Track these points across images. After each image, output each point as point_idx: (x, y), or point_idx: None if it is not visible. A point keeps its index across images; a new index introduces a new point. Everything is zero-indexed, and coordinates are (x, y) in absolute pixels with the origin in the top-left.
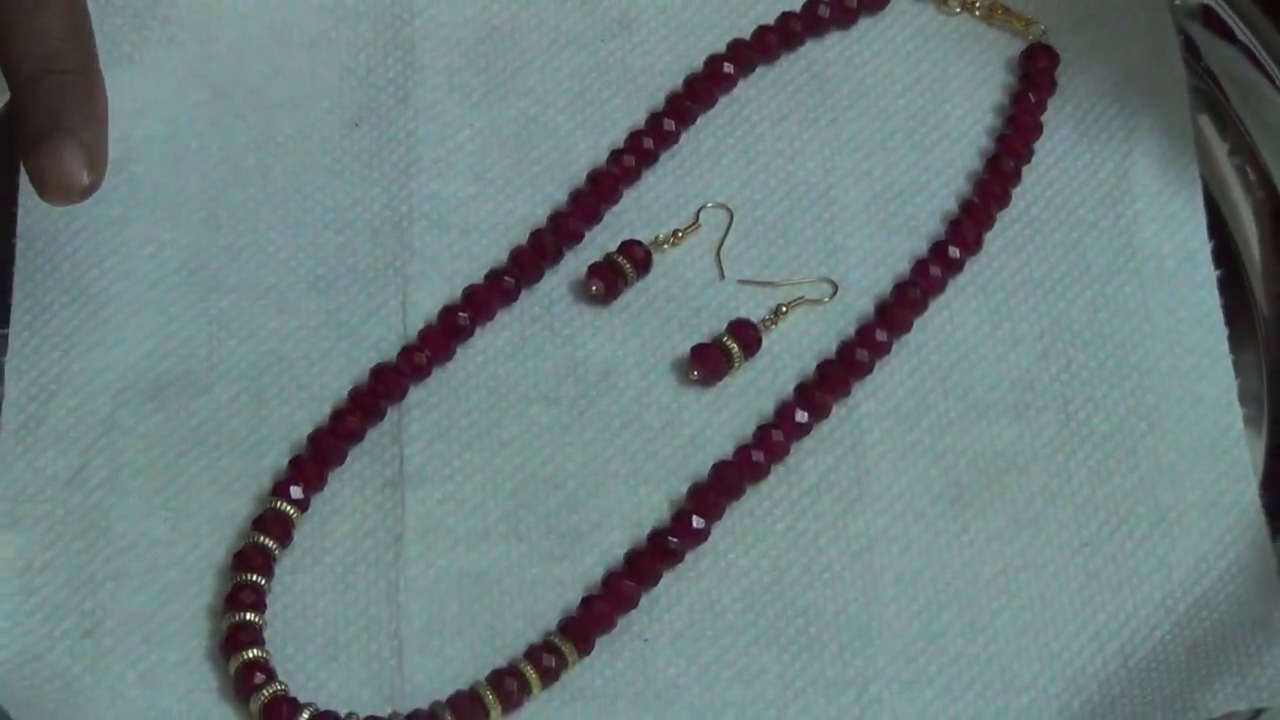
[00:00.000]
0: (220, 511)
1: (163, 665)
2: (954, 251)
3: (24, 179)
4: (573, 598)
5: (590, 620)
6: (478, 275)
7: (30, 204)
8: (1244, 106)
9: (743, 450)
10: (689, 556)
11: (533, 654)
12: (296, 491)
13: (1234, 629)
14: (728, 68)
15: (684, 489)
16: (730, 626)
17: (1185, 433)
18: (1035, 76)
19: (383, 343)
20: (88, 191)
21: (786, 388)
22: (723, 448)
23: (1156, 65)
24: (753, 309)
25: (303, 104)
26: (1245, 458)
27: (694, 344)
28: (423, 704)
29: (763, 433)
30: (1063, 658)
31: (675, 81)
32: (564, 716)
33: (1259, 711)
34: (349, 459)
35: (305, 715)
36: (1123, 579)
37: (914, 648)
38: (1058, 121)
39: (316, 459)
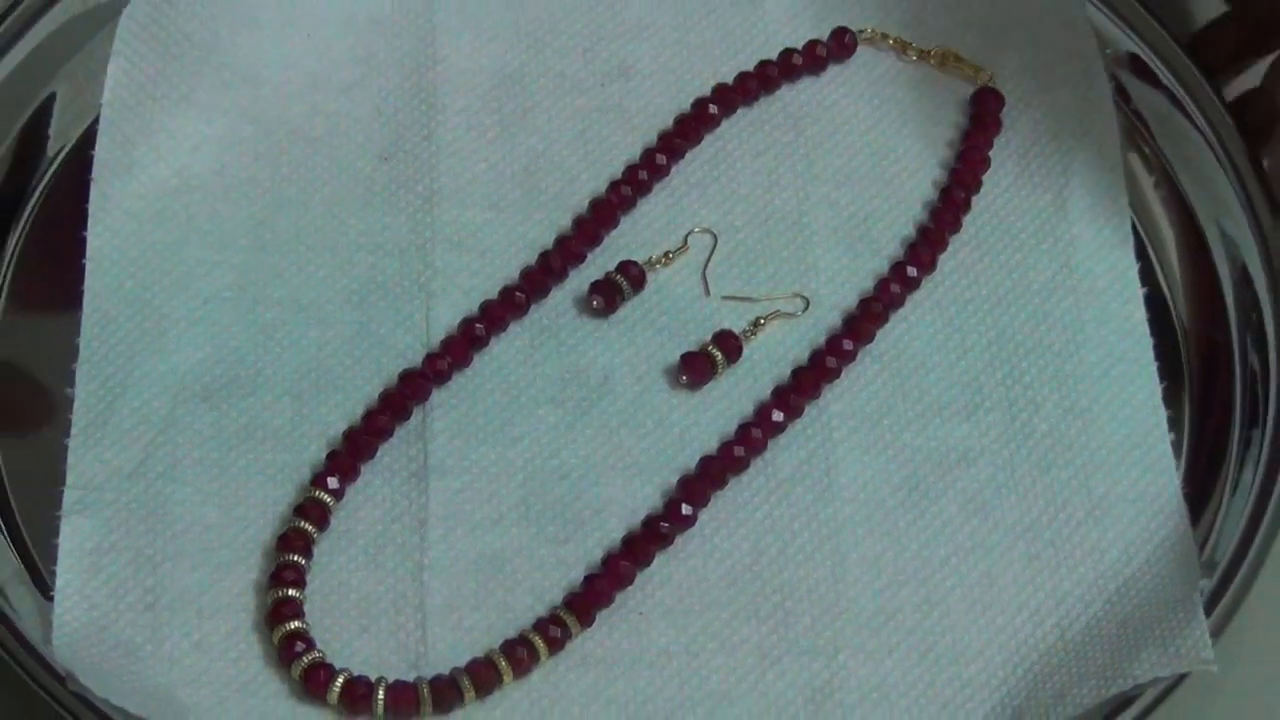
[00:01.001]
0: (265, 499)
1: (214, 635)
2: (912, 271)
3: (93, 205)
4: (576, 576)
5: (592, 596)
6: (493, 291)
7: (99, 229)
8: (1167, 144)
9: (726, 446)
10: (678, 539)
11: (541, 625)
12: (333, 482)
13: (1158, 606)
14: (712, 109)
15: (674, 480)
16: (715, 601)
17: (1115, 431)
18: (983, 117)
19: (409, 351)
20: None
21: (764, 391)
22: (708, 444)
23: (1091, 107)
24: (734, 321)
25: (338, 140)
26: (1168, 454)
27: (683, 352)
28: (444, 670)
29: (743, 431)
30: (1007, 630)
31: (666, 121)
32: (568, 681)
33: (1181, 677)
34: (379, 453)
35: (340, 680)
36: (1060, 560)
37: (876, 620)
38: (1003, 156)
39: (350, 453)
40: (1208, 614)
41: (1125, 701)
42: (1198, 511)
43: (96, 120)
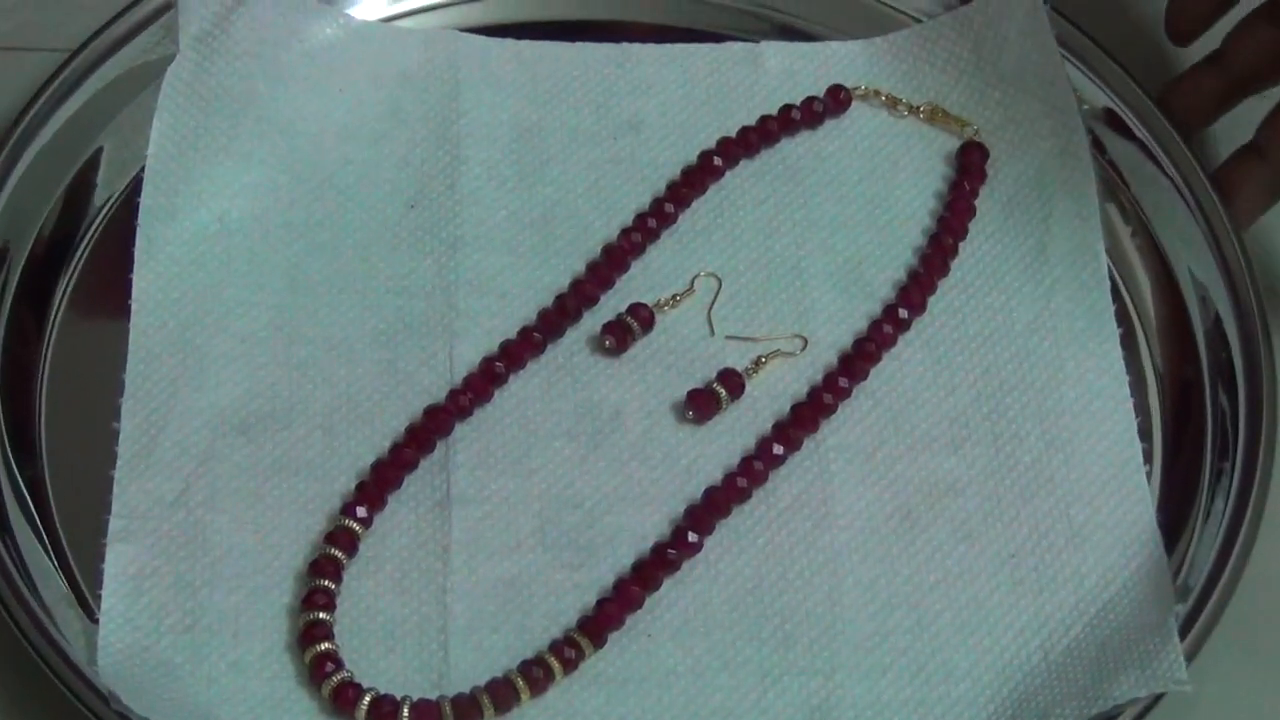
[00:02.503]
0: (298, 527)
1: (250, 656)
2: (903, 313)
3: (139, 250)
4: (589, 599)
5: (604, 619)
6: (512, 331)
7: (144, 271)
8: (1141, 192)
9: (729, 478)
10: (685, 565)
11: (556, 647)
12: (361, 511)
13: (1135, 629)
14: (717, 160)
15: (681, 509)
16: (719, 624)
17: (1094, 463)
18: (969, 168)
19: (433, 387)
20: None
21: (765, 425)
22: (713, 475)
23: (1070, 159)
24: (737, 360)
25: (368, 189)
26: (1144, 484)
27: (689, 389)
28: (465, 689)
29: (745, 463)
30: (993, 651)
31: (673, 172)
32: (582, 699)
33: (1158, 697)
34: (405, 483)
35: (367, 699)
36: (1043, 585)
37: (871, 642)
38: (988, 205)
39: (378, 484)
40: (1182, 637)
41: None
42: (1172, 539)
43: (142, 170)
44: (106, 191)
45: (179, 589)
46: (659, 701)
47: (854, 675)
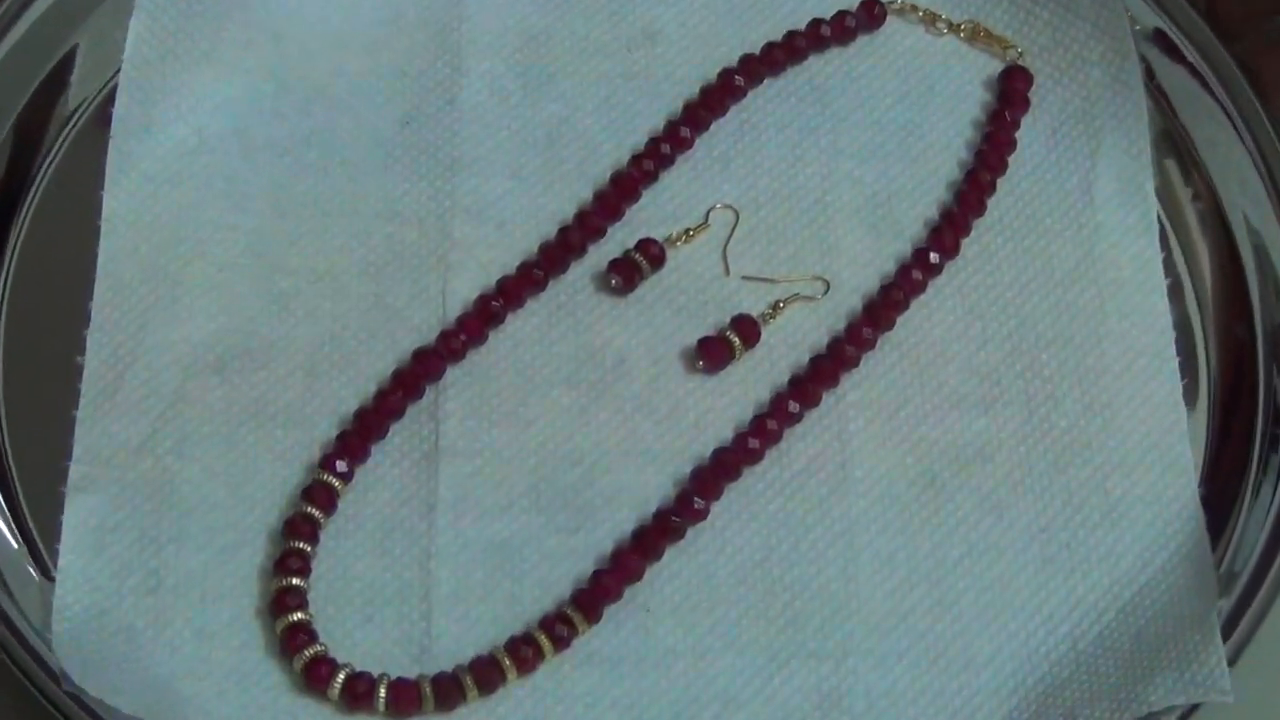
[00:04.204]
0: (274, 478)
1: (216, 622)
2: (934, 257)
3: (110, 165)
4: (585, 567)
5: (599, 592)
6: (511, 265)
7: (116, 189)
8: (1193, 126)
9: (740, 437)
10: (689, 533)
11: (547, 623)
12: (341, 465)
13: (1174, 621)
14: (739, 79)
15: (687, 469)
16: (723, 599)
17: (1135, 430)
18: (1011, 95)
19: (424, 325)
20: None
21: (781, 376)
22: (723, 431)
23: (1120, 88)
24: (753, 303)
25: (361, 102)
26: (1187, 454)
27: (700, 336)
28: (448, 664)
29: (758, 421)
30: (1019, 637)
31: (691, 89)
32: (573, 680)
33: (1195, 706)
34: (390, 433)
35: (341, 676)
36: (1074, 565)
37: (887, 624)
38: (1030, 137)
39: (361, 433)
40: (1225, 636)
41: None
42: (1217, 520)
43: (117, 75)
44: (79, 96)
45: (143, 545)
46: (656, 684)
47: (867, 660)
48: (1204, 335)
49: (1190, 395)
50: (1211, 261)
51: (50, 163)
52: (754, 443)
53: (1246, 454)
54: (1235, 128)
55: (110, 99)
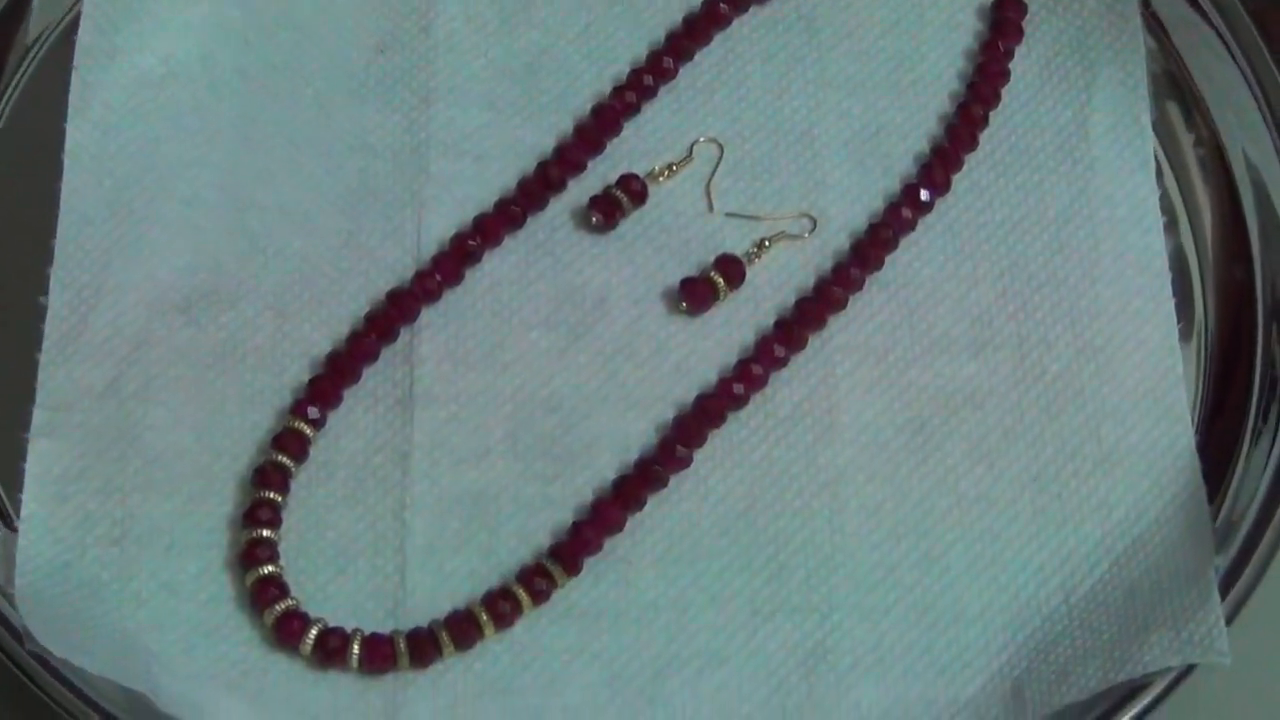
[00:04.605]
0: (243, 424)
1: (184, 574)
2: (925, 194)
3: (74, 96)
4: (564, 517)
5: (579, 543)
6: (488, 200)
7: (79, 120)
8: (1189, 56)
9: (725, 383)
10: (672, 482)
11: (524, 576)
12: (313, 411)
13: (1169, 575)
14: (724, 7)
15: (669, 414)
16: (706, 551)
17: (1129, 374)
18: (1004, 24)
19: (398, 264)
20: None
21: (767, 318)
22: (706, 375)
23: (1117, 18)
24: (738, 241)
25: (331, 28)
26: (1183, 400)
27: (684, 275)
28: (423, 618)
29: (743, 366)
30: (1009, 590)
31: (674, 16)
32: (551, 634)
33: (1190, 667)
34: (363, 377)
35: (314, 631)
36: (1067, 515)
37: (873, 577)
38: (1024, 68)
39: (334, 378)
40: (1223, 594)
41: (1132, 692)
42: (1214, 470)
43: (80, 2)
44: (41, 23)
45: (108, 494)
46: (637, 639)
47: (853, 615)
48: (1200, 276)
49: (1185, 337)
50: (1209, 199)
51: (11, 94)
52: (739, 388)
53: (1244, 403)
54: (1234, 59)
55: (73, 27)
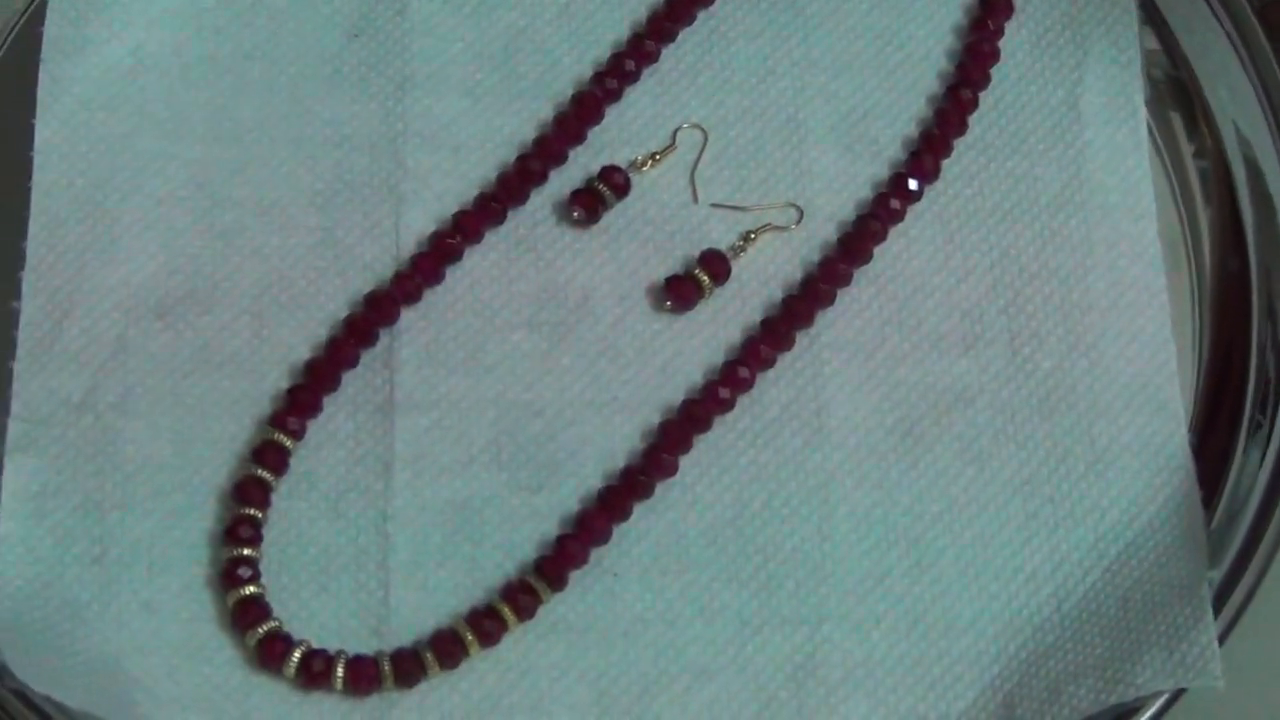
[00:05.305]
0: (222, 434)
1: (165, 593)
2: (914, 183)
3: (42, 90)
4: (549, 528)
5: (564, 557)
6: (468, 193)
7: (48, 116)
8: (1182, 33)
9: (711, 386)
10: (658, 489)
11: (509, 592)
12: (293, 422)
13: (1162, 587)
14: None
15: (655, 418)
16: (694, 562)
17: (1122, 370)
18: (994, 1)
19: (376, 263)
20: None
21: (753, 315)
22: (692, 376)
23: None
24: (723, 232)
25: (304, 13)
26: (1177, 398)
27: (668, 270)
28: (408, 637)
29: (730, 368)
30: (1000, 599)
31: None
32: (538, 651)
33: (1181, 691)
34: (343, 383)
35: (297, 654)
36: (1059, 520)
37: (863, 587)
38: (1014, 46)
39: (313, 387)
40: (1216, 610)
41: (1124, 715)
42: (1210, 472)
43: None
44: (5, 14)
45: (86, 511)
46: (624, 655)
47: (843, 626)
48: (1193, 265)
49: (1178, 331)
50: (1202, 182)
51: None
52: (725, 392)
53: (1240, 401)
54: (1226, 34)
55: (39, 17)
